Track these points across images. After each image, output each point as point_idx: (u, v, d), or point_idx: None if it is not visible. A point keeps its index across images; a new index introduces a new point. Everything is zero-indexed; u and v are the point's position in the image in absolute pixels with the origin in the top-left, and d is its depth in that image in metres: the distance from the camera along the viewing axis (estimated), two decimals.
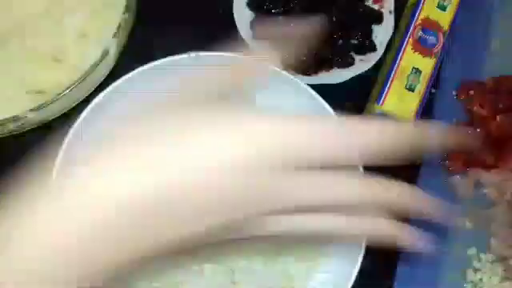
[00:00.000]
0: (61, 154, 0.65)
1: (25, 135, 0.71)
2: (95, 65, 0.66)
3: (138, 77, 0.69)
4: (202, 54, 0.71)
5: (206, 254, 0.69)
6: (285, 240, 0.69)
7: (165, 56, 0.71)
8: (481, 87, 0.82)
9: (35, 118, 0.66)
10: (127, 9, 0.70)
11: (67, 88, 0.65)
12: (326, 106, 0.70)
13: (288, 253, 0.70)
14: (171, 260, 0.68)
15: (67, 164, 0.66)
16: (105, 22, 0.71)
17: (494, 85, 0.82)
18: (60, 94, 0.64)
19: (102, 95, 0.67)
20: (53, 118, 0.69)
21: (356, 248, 0.67)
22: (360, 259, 0.66)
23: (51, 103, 0.64)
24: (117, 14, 0.70)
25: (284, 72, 0.71)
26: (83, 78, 0.65)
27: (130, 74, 0.69)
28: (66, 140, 0.65)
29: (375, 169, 0.70)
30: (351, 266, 0.67)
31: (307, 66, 0.79)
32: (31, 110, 0.64)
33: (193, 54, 0.71)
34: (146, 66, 0.69)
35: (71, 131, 0.66)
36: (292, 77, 0.70)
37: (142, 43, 0.77)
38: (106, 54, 0.67)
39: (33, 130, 0.70)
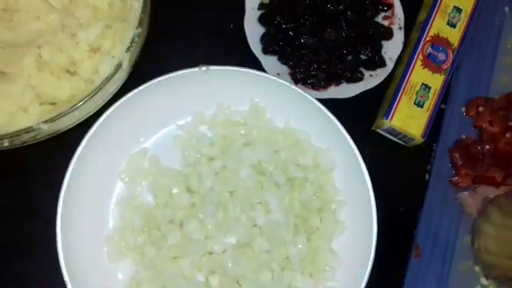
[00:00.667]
0: (72, 165, 0.67)
1: (38, 146, 0.72)
2: (108, 78, 0.67)
3: (149, 90, 0.70)
4: (213, 67, 0.73)
5: (212, 265, 0.69)
6: (291, 254, 0.70)
7: (176, 69, 0.72)
8: (490, 104, 0.83)
9: (48, 129, 0.67)
10: (140, 23, 0.71)
11: (80, 100, 0.66)
12: (335, 120, 0.71)
13: (294, 267, 0.70)
14: (176, 270, 0.68)
15: (78, 176, 0.68)
16: (118, 37, 0.72)
17: (504, 102, 0.83)
18: (73, 106, 0.65)
19: (112, 108, 0.68)
20: (66, 129, 0.70)
21: (363, 261, 0.68)
22: (367, 273, 0.67)
23: (64, 115, 0.65)
24: (130, 28, 0.71)
25: (293, 86, 0.71)
26: (96, 91, 0.66)
27: (141, 87, 0.70)
28: (77, 153, 0.67)
29: (385, 185, 0.71)
30: (358, 279, 0.67)
31: (317, 80, 0.80)
32: (44, 122, 0.65)
33: (203, 68, 0.72)
34: (155, 80, 0.70)
35: (83, 144, 0.67)
36: (301, 91, 0.71)
37: (154, 57, 0.78)
38: (118, 67, 0.68)
39: (46, 140, 0.71)
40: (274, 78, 0.72)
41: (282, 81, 0.72)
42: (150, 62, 0.78)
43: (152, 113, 0.74)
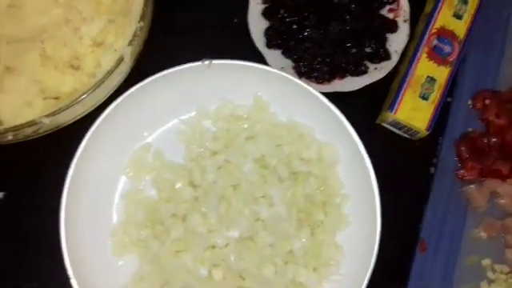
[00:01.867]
0: (75, 161, 0.67)
1: (41, 141, 0.73)
2: (110, 72, 0.67)
3: (153, 84, 0.71)
4: (216, 61, 0.72)
5: (215, 258, 0.69)
6: (294, 248, 0.70)
7: (179, 64, 0.72)
8: (497, 96, 0.82)
9: (51, 123, 0.67)
10: (143, 17, 0.71)
11: (82, 94, 0.66)
12: (339, 113, 0.70)
13: (298, 261, 0.70)
14: (179, 264, 0.69)
15: (81, 171, 0.68)
16: (120, 31, 0.72)
17: (511, 94, 0.81)
18: (75, 99, 0.66)
19: (115, 103, 0.68)
20: (68, 124, 0.70)
21: (367, 255, 0.67)
22: (371, 267, 0.66)
23: (66, 109, 0.66)
24: (132, 22, 0.72)
25: (297, 80, 0.71)
26: (98, 85, 0.67)
27: (145, 82, 0.70)
28: (80, 148, 0.67)
29: (389, 179, 0.71)
30: (362, 274, 0.67)
31: (321, 74, 0.79)
32: (47, 116, 0.66)
33: (207, 62, 0.72)
34: (158, 74, 0.70)
35: (86, 139, 0.67)
36: (305, 85, 0.71)
37: (156, 51, 0.78)
38: (120, 61, 0.68)
39: (49, 135, 0.72)
40: (278, 71, 0.72)
41: (285, 74, 0.71)
42: (152, 56, 0.78)
43: (155, 107, 0.74)
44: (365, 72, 0.80)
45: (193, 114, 0.76)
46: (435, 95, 0.78)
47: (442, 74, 0.79)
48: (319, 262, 0.71)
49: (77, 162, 0.67)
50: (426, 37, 0.80)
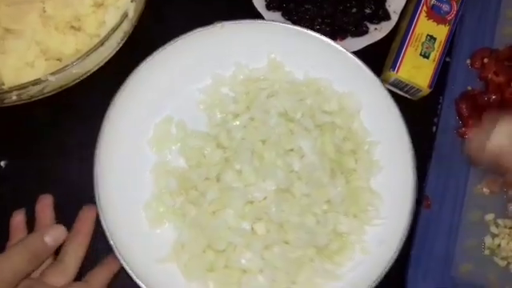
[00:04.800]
0: (100, 141, 0.66)
1: (44, 107, 0.72)
2: (114, 29, 0.66)
3: (166, 53, 0.70)
4: (228, 23, 0.72)
5: (256, 212, 0.68)
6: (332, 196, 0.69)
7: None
8: (495, 55, 0.83)
9: (55, 82, 0.66)
10: None
11: (87, 51, 0.65)
12: (359, 61, 0.72)
13: (337, 209, 0.69)
14: (220, 223, 0.67)
15: (107, 151, 0.67)
16: None
17: (508, 52, 0.83)
18: (80, 57, 0.65)
19: (131, 78, 0.68)
20: (73, 83, 0.69)
21: (404, 198, 0.69)
22: (410, 210, 0.68)
23: (71, 67, 0.65)
24: None
25: (312, 32, 0.72)
26: (103, 41, 0.66)
27: (159, 52, 0.69)
28: (104, 129, 0.67)
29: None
30: (401, 217, 0.68)
31: (322, 34, 0.79)
32: (52, 74, 0.64)
33: (219, 24, 0.72)
34: (178, 40, 0.70)
35: (107, 119, 0.67)
36: (321, 36, 0.72)
37: (155, 17, 0.78)
38: (124, 17, 0.67)
39: (53, 101, 0.70)
40: (292, 26, 0.72)
41: (299, 28, 0.72)
42: (152, 21, 0.77)
43: (170, 78, 0.73)
44: (365, 32, 0.81)
45: (208, 82, 0.75)
46: (435, 53, 0.79)
47: (441, 32, 0.80)
48: (358, 208, 0.71)
49: (101, 144, 0.66)
50: None
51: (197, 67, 0.74)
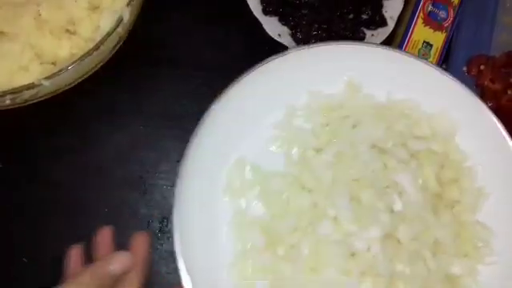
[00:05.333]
0: (176, 195, 0.59)
1: (38, 110, 0.71)
2: (109, 33, 0.66)
3: (240, 86, 0.63)
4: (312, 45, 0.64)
5: (361, 266, 0.60)
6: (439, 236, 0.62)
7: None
8: (491, 62, 0.82)
9: (49, 86, 0.66)
10: None
11: (82, 56, 0.65)
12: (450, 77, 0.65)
13: (447, 250, 0.62)
14: (322, 282, 0.60)
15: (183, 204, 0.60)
16: None
17: (505, 59, 0.82)
18: (74, 62, 0.64)
19: (203, 123, 0.61)
20: (67, 87, 0.69)
21: None
22: None
23: (65, 71, 0.64)
24: None
25: (393, 50, 0.66)
26: (97, 47, 0.65)
27: (234, 85, 0.62)
28: (179, 180, 0.60)
29: None
30: None
31: (318, 40, 0.79)
32: (46, 78, 0.64)
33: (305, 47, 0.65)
34: (250, 73, 0.63)
35: (182, 168, 0.60)
36: (402, 53, 0.66)
37: (151, 20, 0.77)
38: (120, 21, 0.66)
39: (47, 106, 0.70)
40: (376, 46, 0.65)
41: (379, 47, 0.65)
42: (148, 23, 0.76)
43: (241, 114, 0.65)
44: (362, 38, 0.80)
45: (279, 115, 0.67)
46: (432, 60, 0.79)
47: (437, 39, 0.80)
48: (468, 245, 0.62)
49: (177, 198, 0.59)
50: (421, 2, 0.81)
51: (264, 100, 0.66)
